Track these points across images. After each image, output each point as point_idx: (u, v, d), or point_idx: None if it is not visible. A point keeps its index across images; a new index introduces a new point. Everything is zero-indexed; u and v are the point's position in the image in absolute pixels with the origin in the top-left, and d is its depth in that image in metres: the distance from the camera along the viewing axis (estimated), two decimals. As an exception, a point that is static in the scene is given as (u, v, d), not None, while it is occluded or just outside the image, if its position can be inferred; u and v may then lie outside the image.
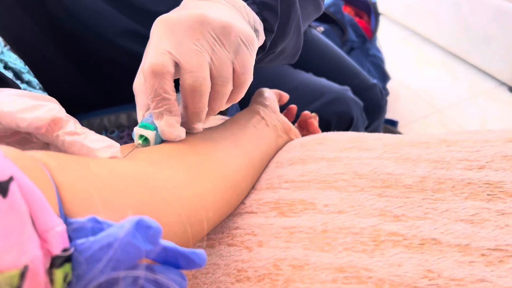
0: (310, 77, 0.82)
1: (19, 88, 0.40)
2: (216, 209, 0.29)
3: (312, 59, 0.92)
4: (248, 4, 0.35)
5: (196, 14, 0.30)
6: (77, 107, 0.57)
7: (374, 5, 1.42)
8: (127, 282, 0.17)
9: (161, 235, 0.16)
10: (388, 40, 1.75)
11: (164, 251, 0.18)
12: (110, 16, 0.50)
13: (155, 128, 0.30)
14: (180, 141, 0.32)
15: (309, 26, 0.95)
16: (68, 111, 0.36)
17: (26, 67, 0.68)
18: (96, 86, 0.57)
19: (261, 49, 0.38)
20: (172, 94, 0.30)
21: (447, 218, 0.26)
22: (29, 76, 0.69)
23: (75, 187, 0.19)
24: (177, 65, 0.30)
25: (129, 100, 0.38)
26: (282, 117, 0.46)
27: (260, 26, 0.36)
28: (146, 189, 0.23)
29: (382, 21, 1.46)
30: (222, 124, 0.40)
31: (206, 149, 0.32)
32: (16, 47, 0.54)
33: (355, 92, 0.88)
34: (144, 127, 0.30)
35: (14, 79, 0.69)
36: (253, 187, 0.37)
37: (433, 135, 0.34)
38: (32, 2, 0.47)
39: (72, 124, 0.26)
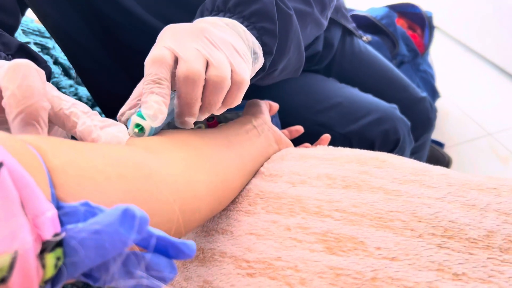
0: (356, 92, 0.79)
1: (45, 62, 0.42)
2: (207, 202, 0.30)
3: (359, 71, 0.89)
4: (248, 29, 0.38)
5: (199, 25, 0.34)
6: (115, 101, 0.58)
7: (430, 19, 1.36)
8: (117, 268, 0.17)
9: (147, 224, 0.16)
10: (440, 55, 1.67)
11: (155, 240, 0.18)
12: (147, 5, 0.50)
13: None
14: (175, 134, 0.33)
15: (355, 36, 0.92)
16: (105, 104, 0.46)
17: None
18: (135, 79, 0.57)
19: (261, 70, 0.40)
20: (166, 82, 0.31)
21: (518, 284, 0.24)
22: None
23: (67, 171, 0.19)
24: (176, 62, 0.32)
25: None
26: (273, 127, 0.48)
27: (259, 49, 0.38)
28: (140, 174, 0.24)
29: (435, 34, 1.39)
30: (215, 128, 0.42)
31: (200, 145, 0.33)
32: (56, 36, 0.55)
33: (404, 106, 0.84)
34: (141, 116, 0.31)
35: (62, 75, 0.70)
36: (299, 206, 0.35)
37: (504, 181, 0.30)
38: None
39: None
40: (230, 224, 0.36)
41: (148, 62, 0.32)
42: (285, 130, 0.55)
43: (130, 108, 0.34)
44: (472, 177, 0.32)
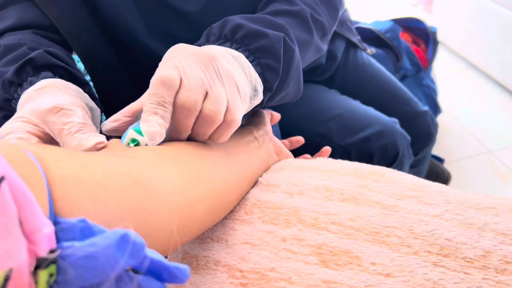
0: (357, 105, 0.79)
1: (86, 84, 0.44)
2: (201, 219, 0.30)
3: (362, 83, 0.89)
4: (253, 64, 0.37)
5: (209, 52, 0.34)
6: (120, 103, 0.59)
7: (434, 34, 1.36)
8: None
9: (143, 250, 0.17)
10: (443, 70, 1.68)
11: (149, 263, 0.18)
12: (140, 17, 0.52)
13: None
14: (176, 145, 0.33)
15: (359, 48, 0.92)
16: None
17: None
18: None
19: (259, 104, 0.40)
20: (169, 107, 0.31)
21: (513, 306, 0.23)
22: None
23: (67, 185, 0.19)
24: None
25: None
26: (274, 138, 0.48)
27: (260, 86, 0.38)
28: (140, 190, 0.24)
29: (439, 50, 1.40)
30: None
31: (200, 158, 0.33)
32: (78, 50, 0.55)
33: (405, 119, 0.84)
34: (139, 132, 0.31)
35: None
36: (296, 217, 0.34)
37: (503, 200, 0.30)
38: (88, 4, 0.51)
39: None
40: (225, 233, 0.36)
41: (157, 81, 0.31)
42: (285, 141, 0.55)
43: (113, 122, 0.34)
44: (471, 195, 0.32)
